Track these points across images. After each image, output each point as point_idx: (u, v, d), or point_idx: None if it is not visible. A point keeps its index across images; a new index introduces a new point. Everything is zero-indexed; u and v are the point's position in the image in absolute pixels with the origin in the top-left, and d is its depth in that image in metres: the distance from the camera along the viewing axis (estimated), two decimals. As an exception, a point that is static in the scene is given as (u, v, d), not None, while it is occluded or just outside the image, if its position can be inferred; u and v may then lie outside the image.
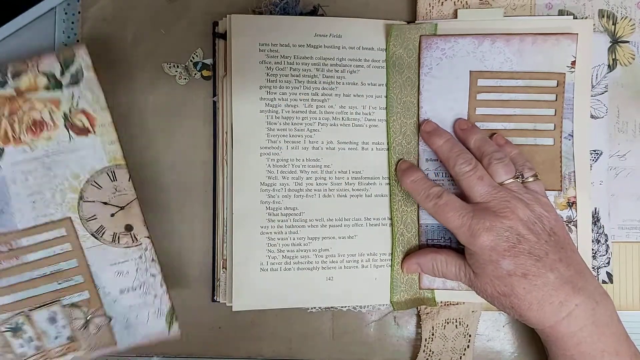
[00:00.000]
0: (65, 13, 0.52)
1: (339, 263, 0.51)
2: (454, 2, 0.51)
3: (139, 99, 0.52)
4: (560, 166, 0.50)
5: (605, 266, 0.52)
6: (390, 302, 0.51)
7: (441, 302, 0.51)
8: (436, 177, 0.51)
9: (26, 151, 0.44)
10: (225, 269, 0.51)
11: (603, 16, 0.52)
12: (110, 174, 0.44)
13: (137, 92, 0.52)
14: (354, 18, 0.51)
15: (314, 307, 0.52)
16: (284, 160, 0.51)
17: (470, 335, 0.51)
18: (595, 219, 0.52)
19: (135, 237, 0.45)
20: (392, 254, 0.51)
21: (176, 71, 0.52)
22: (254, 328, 0.52)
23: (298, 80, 0.51)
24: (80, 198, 0.44)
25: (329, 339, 0.53)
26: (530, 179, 0.48)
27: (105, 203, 0.44)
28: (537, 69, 0.50)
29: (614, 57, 0.52)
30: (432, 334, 0.51)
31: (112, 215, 0.44)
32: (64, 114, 0.44)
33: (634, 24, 0.52)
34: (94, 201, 0.44)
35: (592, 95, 0.52)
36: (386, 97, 0.51)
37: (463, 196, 0.47)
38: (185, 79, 0.52)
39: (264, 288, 0.50)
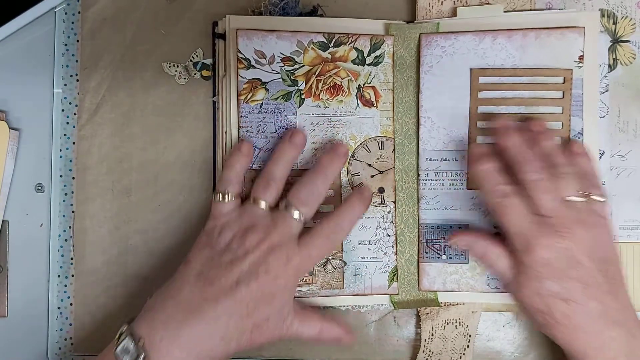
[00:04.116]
0: (65, 13, 0.52)
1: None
2: (454, 0, 0.51)
3: (139, 98, 0.52)
4: None
5: (606, 266, 0.51)
6: (392, 302, 0.51)
7: (441, 302, 0.51)
8: (436, 176, 0.51)
9: (320, 107, 0.50)
10: (225, 268, 0.51)
11: (603, 16, 0.52)
12: (379, 143, 0.51)
13: (137, 91, 0.52)
14: (353, 18, 0.51)
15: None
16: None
17: (470, 336, 0.51)
18: (597, 219, 0.51)
19: (384, 199, 0.51)
20: (396, 253, 0.51)
21: (176, 71, 0.52)
22: (254, 328, 0.52)
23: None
24: (352, 156, 0.51)
25: (329, 339, 0.53)
26: (598, 199, 0.45)
27: (369, 165, 0.51)
28: (542, 65, 0.50)
29: (614, 56, 0.52)
30: (432, 335, 0.51)
31: (372, 176, 0.51)
32: (358, 86, 0.51)
33: (635, 24, 0.52)
34: (361, 161, 0.51)
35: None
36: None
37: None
38: (185, 78, 0.52)
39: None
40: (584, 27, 0.49)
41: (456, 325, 0.51)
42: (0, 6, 0.50)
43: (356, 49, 0.50)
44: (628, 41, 0.52)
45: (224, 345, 0.43)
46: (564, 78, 0.50)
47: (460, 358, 0.51)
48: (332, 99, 0.50)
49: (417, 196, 0.51)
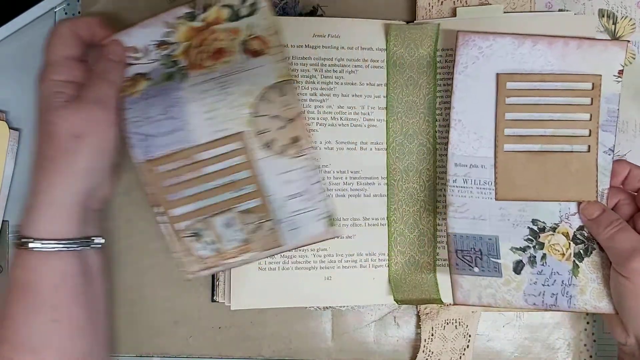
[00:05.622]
0: (65, 13, 0.53)
1: (337, 263, 0.51)
2: (453, 0, 0.51)
3: (138, 99, 0.52)
4: (597, 176, 0.48)
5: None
6: (395, 300, 0.51)
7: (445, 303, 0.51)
8: (465, 183, 0.48)
9: (205, 74, 0.48)
10: (225, 268, 0.51)
11: (603, 16, 0.52)
12: (280, 89, 0.48)
13: (137, 92, 0.52)
14: (353, 18, 0.51)
15: (312, 306, 0.52)
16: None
17: (470, 336, 0.51)
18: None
19: (300, 148, 0.48)
20: (389, 254, 0.51)
21: (175, 71, 0.52)
22: (254, 328, 0.52)
23: (296, 80, 0.51)
24: (253, 113, 0.47)
25: (329, 338, 0.53)
26: None
27: (275, 116, 0.48)
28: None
29: (614, 56, 0.52)
30: (432, 335, 0.51)
31: (281, 128, 0.48)
32: (242, 41, 0.48)
33: (634, 24, 0.52)
34: (265, 115, 0.47)
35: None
36: (386, 97, 0.51)
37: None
38: (184, 78, 0.52)
39: (262, 287, 0.50)
40: (627, 41, 0.48)
41: (456, 325, 0.51)
42: (0, 6, 0.51)
43: (226, 5, 0.48)
44: (628, 41, 0.52)
45: (80, 180, 0.45)
46: (593, 84, 0.48)
47: (460, 358, 0.51)
48: (218, 63, 0.48)
49: (445, 202, 0.49)
